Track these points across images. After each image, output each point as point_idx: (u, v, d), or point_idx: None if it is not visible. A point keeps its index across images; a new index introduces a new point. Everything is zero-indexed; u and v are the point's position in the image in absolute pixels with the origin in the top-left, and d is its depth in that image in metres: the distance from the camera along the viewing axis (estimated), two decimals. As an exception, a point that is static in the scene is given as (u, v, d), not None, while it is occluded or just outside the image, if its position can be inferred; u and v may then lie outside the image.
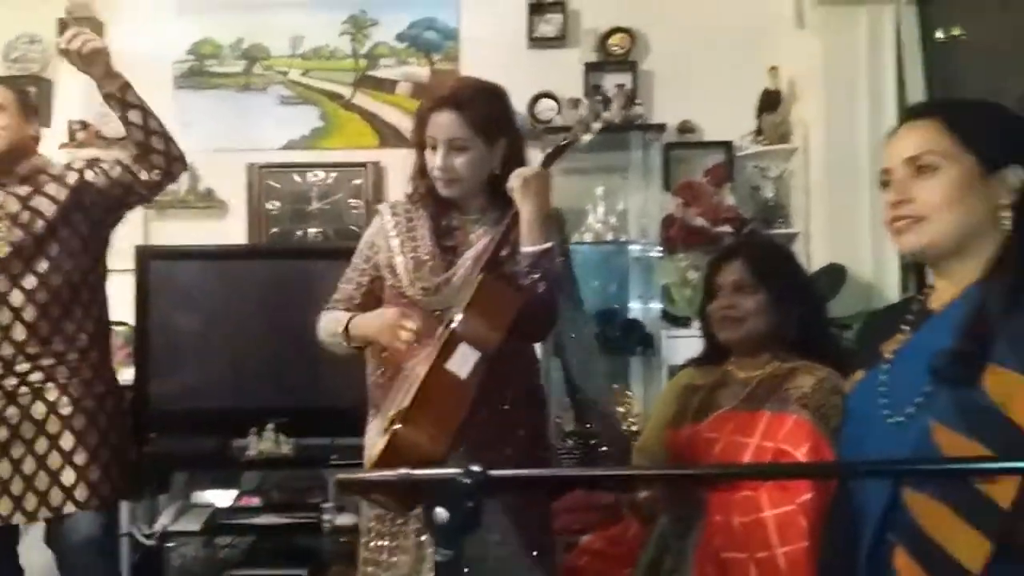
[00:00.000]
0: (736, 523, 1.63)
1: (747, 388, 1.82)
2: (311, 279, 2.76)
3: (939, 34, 2.91)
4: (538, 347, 2.06)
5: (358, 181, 3.62)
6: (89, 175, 2.21)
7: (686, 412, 1.90)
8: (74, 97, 3.52)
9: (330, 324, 1.84)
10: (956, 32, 2.84)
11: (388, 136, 3.67)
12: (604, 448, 1.95)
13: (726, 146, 3.52)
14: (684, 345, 2.97)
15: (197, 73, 3.72)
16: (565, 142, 1.84)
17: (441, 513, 0.81)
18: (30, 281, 2.12)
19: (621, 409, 3.28)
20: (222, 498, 3.09)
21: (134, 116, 2.12)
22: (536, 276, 1.66)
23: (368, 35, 3.74)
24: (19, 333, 2.10)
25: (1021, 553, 0.99)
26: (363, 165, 3.62)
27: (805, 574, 1.49)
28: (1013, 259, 1.11)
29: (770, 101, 3.41)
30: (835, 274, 3.06)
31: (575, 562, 1.90)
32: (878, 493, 1.15)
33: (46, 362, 2.12)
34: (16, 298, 2.10)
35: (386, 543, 1.73)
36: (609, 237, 3.46)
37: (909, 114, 1.25)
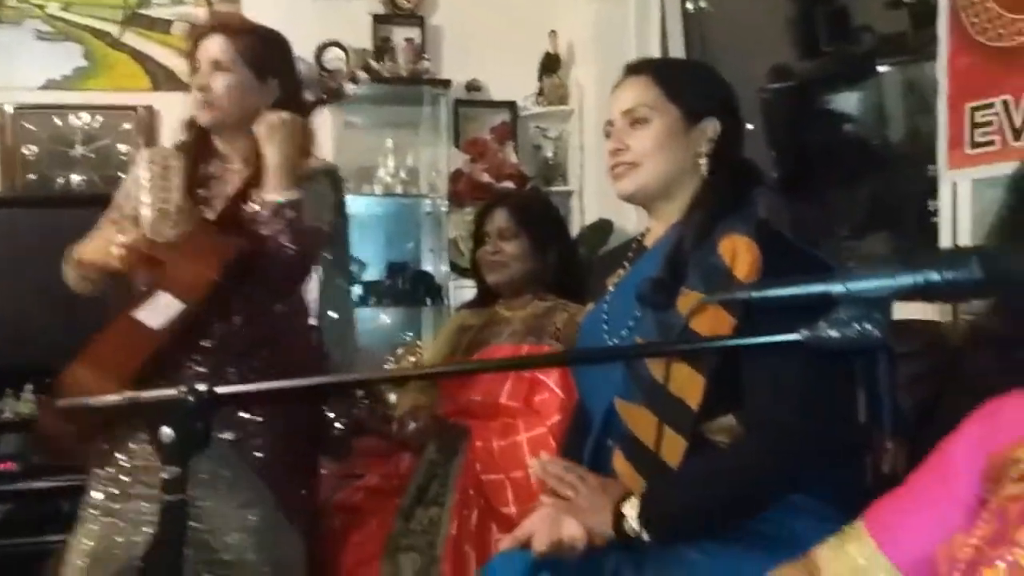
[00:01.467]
0: (495, 447, 1.78)
1: (512, 326, 1.97)
2: (72, 229, 2.58)
3: (688, 5, 3.19)
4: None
5: (128, 126, 3.40)
6: None
7: (458, 350, 2.02)
8: None
9: (66, 266, 1.74)
10: (703, 5, 3.12)
11: (161, 79, 3.46)
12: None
13: (510, 106, 3.66)
14: (472, 295, 3.11)
15: (-63, 1, 3.31)
16: (326, 93, 1.84)
17: (167, 432, 0.83)
18: None
19: (413, 359, 3.37)
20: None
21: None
22: (277, 227, 1.59)
23: (139, -29, 3.50)
24: None
25: (708, 446, 1.18)
26: (133, 109, 3.40)
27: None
28: (707, 201, 1.28)
29: (550, 64, 3.58)
30: (603, 228, 3.30)
31: (351, 498, 1.97)
32: (599, 405, 1.31)
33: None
34: None
35: (119, 488, 1.65)
36: (399, 191, 3.51)
37: (627, 71, 1.38)
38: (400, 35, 3.59)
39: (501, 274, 2.00)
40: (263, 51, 1.72)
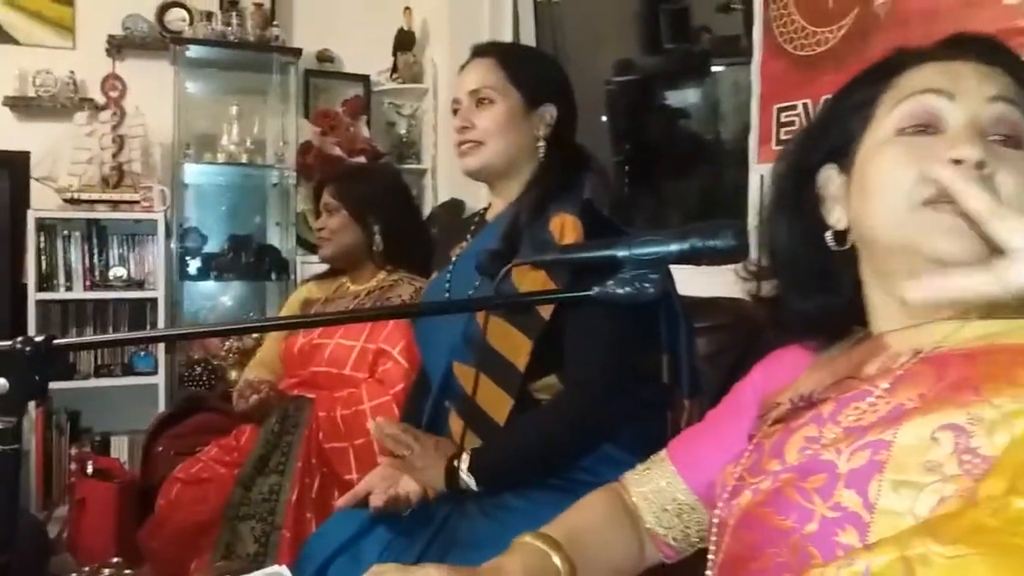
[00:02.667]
0: (339, 416, 1.81)
1: (357, 299, 1.99)
2: None
3: (536, -6, 3.30)
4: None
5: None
6: None
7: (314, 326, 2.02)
8: None
9: None
10: (552, -5, 3.25)
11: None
12: None
13: (364, 80, 3.64)
14: (320, 270, 3.09)
15: None
16: None
17: (2, 382, 0.82)
18: None
19: (256, 335, 3.31)
20: None
21: None
22: None
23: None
24: None
25: (532, 403, 1.28)
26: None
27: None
28: (541, 181, 1.37)
29: (404, 41, 3.59)
30: (454, 207, 3.37)
31: (190, 468, 1.94)
32: (438, 368, 1.38)
33: None
34: None
35: None
36: (244, 160, 3.42)
37: (474, 52, 1.45)
38: None
39: (327, 248, 2.03)
40: None
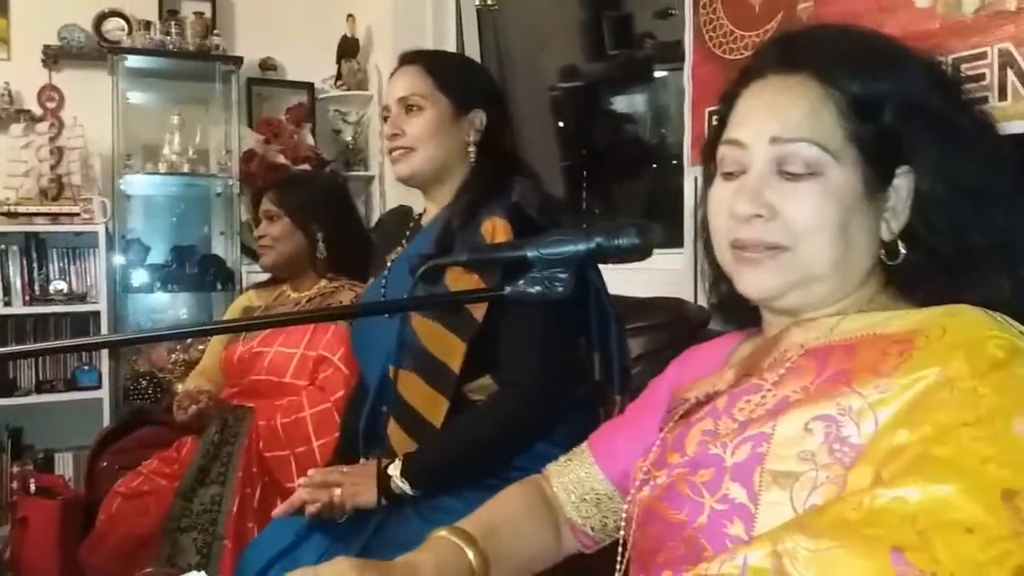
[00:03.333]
0: (280, 424, 1.80)
1: (298, 306, 1.99)
2: None
3: (476, 2, 3.32)
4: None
5: None
6: None
7: (240, 332, 2.01)
8: None
9: None
10: (490, 2, 3.27)
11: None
12: None
13: (308, 87, 3.63)
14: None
15: None
16: None
17: None
18: None
19: (202, 347, 3.27)
20: None
21: None
22: None
23: None
24: None
25: (468, 404, 1.29)
26: None
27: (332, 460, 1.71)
28: (473, 186, 1.39)
29: (348, 48, 3.59)
30: (402, 213, 3.36)
31: (130, 483, 1.91)
32: (374, 374, 1.39)
33: None
34: None
35: None
36: (186, 169, 3.38)
37: (401, 60, 1.46)
38: (189, 9, 3.46)
39: (268, 256, 2.02)
40: None
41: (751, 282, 0.73)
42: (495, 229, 1.29)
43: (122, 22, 3.35)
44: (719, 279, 0.82)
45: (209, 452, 1.83)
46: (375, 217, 3.50)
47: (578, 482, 0.90)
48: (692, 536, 0.65)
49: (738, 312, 0.83)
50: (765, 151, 0.72)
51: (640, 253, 0.72)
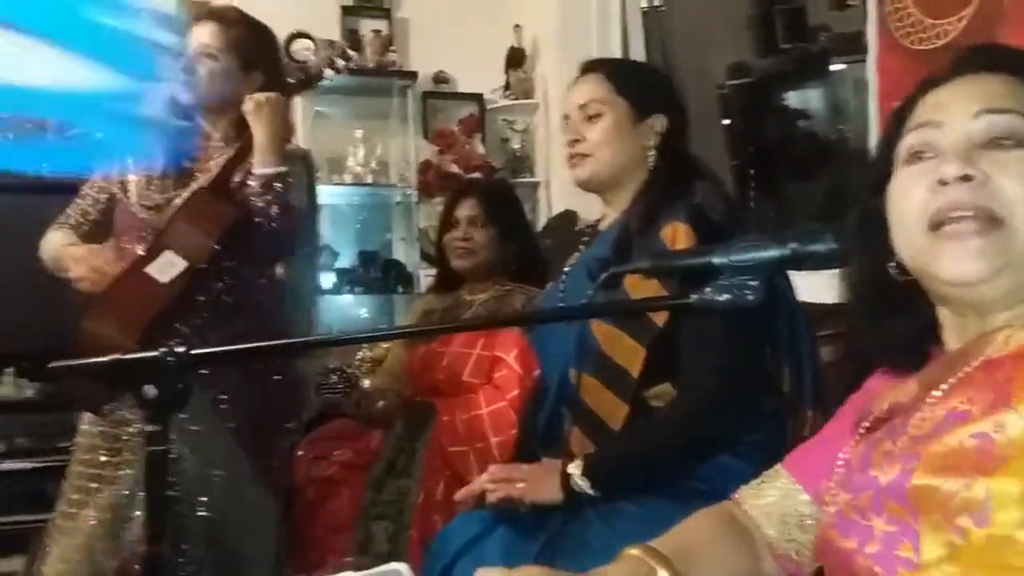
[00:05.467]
0: (459, 421, 1.90)
1: (473, 309, 2.09)
2: (43, 214, 2.64)
3: (643, 4, 3.31)
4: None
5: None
6: None
7: (446, 332, 2.12)
8: None
9: (48, 245, 1.83)
10: (657, 3, 3.25)
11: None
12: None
13: (478, 98, 3.76)
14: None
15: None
16: (305, 77, 1.94)
17: (149, 389, 0.90)
18: None
19: (386, 346, 3.46)
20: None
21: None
22: (267, 198, 1.71)
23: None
24: None
25: (647, 410, 1.30)
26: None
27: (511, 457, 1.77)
28: (652, 190, 1.40)
29: (515, 58, 3.68)
30: (568, 219, 3.41)
31: (325, 471, 2.07)
32: (554, 376, 1.43)
33: None
34: None
35: (109, 458, 1.73)
36: (369, 180, 3.60)
37: (582, 69, 1.50)
38: (367, 27, 3.67)
39: (468, 260, 2.12)
40: (253, 44, 1.83)
41: (956, 262, 0.66)
42: (676, 234, 1.30)
43: (309, 43, 3.61)
44: (882, 317, 0.77)
45: (396, 446, 1.95)
46: (541, 222, 3.57)
47: (778, 504, 0.86)
48: (865, 565, 0.63)
49: (905, 352, 0.77)
50: (968, 125, 0.69)
51: (836, 260, 0.71)
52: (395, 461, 1.93)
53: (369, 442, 2.09)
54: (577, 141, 1.43)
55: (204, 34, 1.80)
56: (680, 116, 1.47)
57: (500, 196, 2.25)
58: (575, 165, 1.44)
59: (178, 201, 1.77)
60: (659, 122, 1.43)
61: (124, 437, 1.74)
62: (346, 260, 3.67)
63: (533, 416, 1.52)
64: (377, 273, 3.62)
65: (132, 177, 1.82)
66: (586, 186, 1.46)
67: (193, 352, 0.91)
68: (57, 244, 1.81)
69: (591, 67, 1.48)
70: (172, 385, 0.89)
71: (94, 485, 1.74)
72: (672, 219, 1.32)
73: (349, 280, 3.58)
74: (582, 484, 1.26)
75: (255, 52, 1.83)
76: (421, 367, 2.07)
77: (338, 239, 3.68)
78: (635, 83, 1.44)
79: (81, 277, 1.69)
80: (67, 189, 2.03)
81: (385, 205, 3.75)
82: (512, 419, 1.80)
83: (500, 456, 1.79)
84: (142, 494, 1.62)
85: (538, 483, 1.29)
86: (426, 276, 3.54)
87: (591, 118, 1.42)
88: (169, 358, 0.89)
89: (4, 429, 3.02)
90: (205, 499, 1.66)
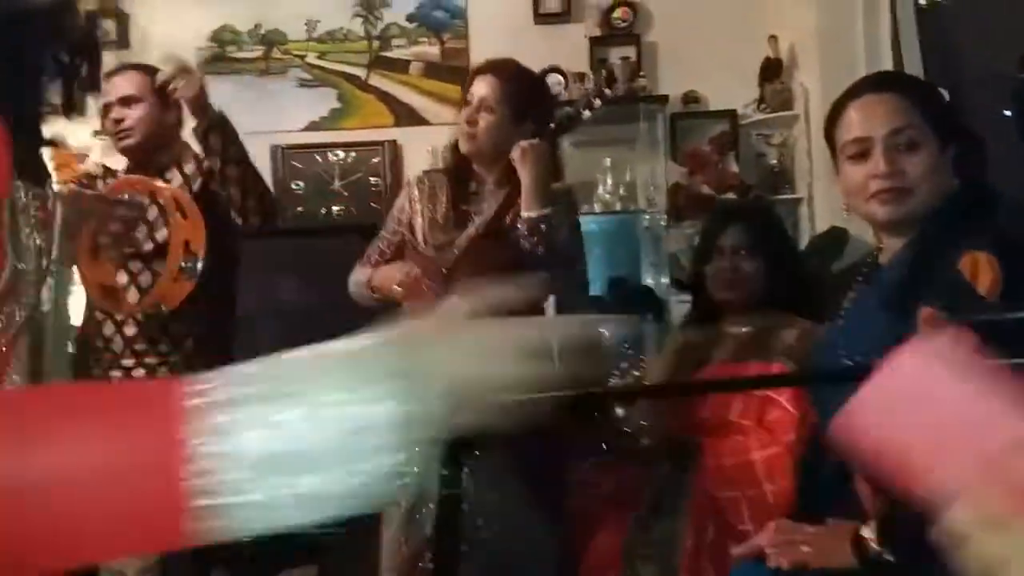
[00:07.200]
0: (727, 464, 1.80)
1: (738, 342, 1.97)
2: (334, 254, 2.92)
3: (922, 0, 2.99)
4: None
5: (376, 159, 3.77)
6: (214, 186, 2.12)
7: (683, 367, 2.06)
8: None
9: (357, 277, 2.04)
10: (938, -1, 2.92)
11: (403, 115, 3.81)
12: None
13: (730, 115, 3.63)
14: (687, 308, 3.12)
15: (219, 59, 3.85)
16: (567, 120, 1.99)
17: None
18: (145, 278, 2.09)
19: (637, 373, 3.42)
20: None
21: (231, 171, 2.07)
22: (534, 240, 1.81)
23: (380, 17, 3.86)
24: (130, 329, 2.12)
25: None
26: (380, 144, 3.77)
27: (789, 507, 1.65)
28: (945, 217, 1.24)
29: (771, 69, 3.51)
30: (837, 236, 3.16)
31: (587, 505, 2.07)
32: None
33: (150, 360, 2.12)
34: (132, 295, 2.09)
35: None
36: (618, 207, 3.60)
37: (874, 85, 1.35)
38: (616, 55, 3.68)
39: (737, 292, 1.99)
40: (526, 95, 1.94)
41: None
42: (977, 266, 1.14)
43: (559, 77, 3.69)
44: None
45: (661, 485, 1.90)
46: (803, 240, 3.36)
47: None
48: None
49: None
50: None
51: None
52: (660, 500, 1.88)
53: (631, 476, 2.06)
54: (895, 174, 1.26)
55: (484, 87, 1.92)
56: (973, 138, 1.31)
57: (767, 222, 2.13)
58: (888, 201, 1.27)
59: (461, 242, 1.91)
60: (954, 148, 1.27)
61: None
62: (595, 288, 3.68)
63: (813, 464, 1.40)
64: (627, 300, 3.60)
65: (419, 220, 1.99)
66: (898, 224, 1.30)
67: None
68: (363, 277, 2.02)
69: (890, 85, 1.33)
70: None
71: None
72: (971, 248, 1.16)
73: (598, 308, 3.59)
74: (879, 550, 1.14)
75: (528, 102, 1.95)
76: (682, 404, 2.00)
77: (588, 266, 3.70)
78: (940, 108, 1.29)
79: (400, 283, 1.87)
80: (353, 230, 2.26)
81: (633, 230, 3.72)
82: (788, 466, 1.68)
83: (776, 505, 1.67)
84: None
85: (826, 548, 1.19)
86: (678, 303, 3.46)
87: (908, 148, 1.27)
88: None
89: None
90: (486, 536, 1.72)
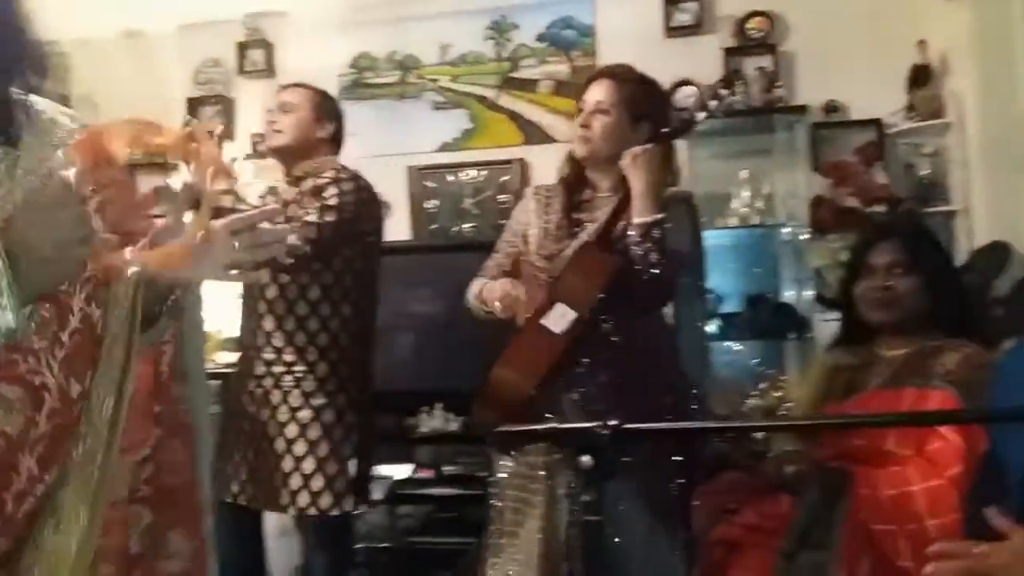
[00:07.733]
0: (884, 496, 1.69)
1: (893, 367, 1.86)
2: (467, 271, 2.98)
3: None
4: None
5: (505, 178, 3.83)
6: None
7: (832, 392, 1.96)
8: (255, 113, 3.91)
9: (473, 289, 2.07)
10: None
11: (532, 134, 3.85)
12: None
13: (875, 124, 3.45)
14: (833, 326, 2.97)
15: (359, 85, 4.04)
16: (680, 125, 1.99)
17: (586, 460, 0.94)
18: (271, 291, 2.25)
19: (777, 394, 3.28)
20: (399, 471, 3.39)
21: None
22: (646, 245, 1.79)
23: (510, 38, 3.93)
24: (278, 340, 2.26)
25: None
26: (509, 162, 3.83)
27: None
28: None
29: (920, 76, 3.33)
30: (999, 251, 2.94)
31: (729, 534, 1.99)
32: (1018, 458, 1.21)
33: (277, 369, 2.25)
34: (261, 307, 2.27)
35: (517, 505, 1.90)
36: (755, 221, 3.48)
37: None
38: (751, 65, 3.58)
39: (891, 312, 1.88)
40: (641, 98, 1.94)
41: None
42: None
43: (692, 89, 3.62)
44: None
45: (810, 515, 1.80)
46: (959, 255, 3.14)
47: None
48: None
49: None
50: None
51: None
52: (809, 531, 1.79)
53: (776, 505, 1.97)
54: None
55: (599, 91, 1.93)
56: None
57: (924, 238, 2.00)
58: None
59: (568, 251, 1.91)
60: None
61: (534, 485, 1.88)
62: (732, 304, 3.57)
63: (983, 500, 1.30)
64: (766, 317, 3.47)
65: (532, 231, 2.01)
66: None
67: (623, 426, 0.94)
68: (476, 290, 2.06)
69: None
70: (606, 456, 0.93)
71: (519, 517, 1.91)
72: None
73: (736, 325, 3.49)
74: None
75: (643, 106, 1.94)
76: (834, 431, 1.90)
77: (722, 283, 3.60)
78: None
79: (499, 300, 1.89)
80: (483, 247, 2.32)
81: (772, 245, 3.59)
82: (954, 500, 1.57)
83: (940, 541, 1.56)
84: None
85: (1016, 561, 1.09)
86: (822, 321, 3.31)
87: None
88: (603, 431, 0.94)
89: (433, 458, 3.46)
90: (625, 561, 1.70)
